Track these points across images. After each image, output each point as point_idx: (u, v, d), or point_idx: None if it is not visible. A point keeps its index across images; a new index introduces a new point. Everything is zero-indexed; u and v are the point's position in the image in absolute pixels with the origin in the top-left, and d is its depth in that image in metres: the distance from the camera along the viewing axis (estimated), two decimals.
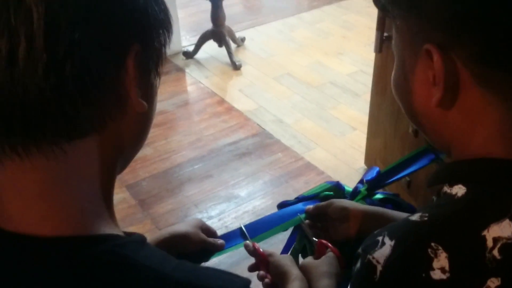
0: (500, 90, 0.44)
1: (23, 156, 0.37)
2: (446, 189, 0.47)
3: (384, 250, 0.45)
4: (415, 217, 0.46)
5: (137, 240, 0.43)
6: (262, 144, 2.44)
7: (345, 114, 2.63)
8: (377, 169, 0.97)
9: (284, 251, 0.92)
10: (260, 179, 2.23)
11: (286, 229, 0.94)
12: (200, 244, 0.80)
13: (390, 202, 0.95)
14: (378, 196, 0.96)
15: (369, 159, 2.17)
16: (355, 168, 2.23)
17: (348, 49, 3.25)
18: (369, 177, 0.96)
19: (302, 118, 2.62)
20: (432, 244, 0.43)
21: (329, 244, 0.80)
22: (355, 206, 0.84)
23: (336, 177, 2.18)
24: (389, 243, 0.45)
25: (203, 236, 0.82)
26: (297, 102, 2.75)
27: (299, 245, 0.94)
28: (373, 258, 0.45)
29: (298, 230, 0.94)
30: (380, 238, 0.46)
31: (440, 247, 0.42)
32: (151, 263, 0.40)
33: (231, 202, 2.10)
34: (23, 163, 0.37)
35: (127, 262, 0.39)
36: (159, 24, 0.42)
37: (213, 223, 1.99)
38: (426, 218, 0.45)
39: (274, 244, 1.08)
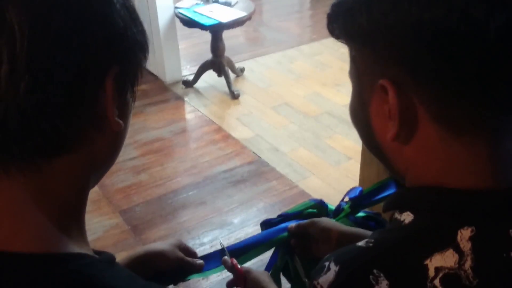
0: (455, 126, 0.43)
1: (0, 174, 0.38)
2: (396, 215, 0.47)
3: (328, 275, 0.45)
4: (362, 242, 0.46)
5: (106, 259, 0.43)
6: (257, 171, 2.45)
7: (341, 143, 2.64)
8: (360, 188, 0.97)
9: (267, 268, 0.91)
10: (254, 207, 2.22)
11: (269, 249, 0.94)
12: (176, 262, 0.79)
13: (373, 219, 0.95)
14: (361, 214, 0.96)
15: (363, 188, 2.17)
16: None
17: (345, 80, 3.28)
18: (352, 195, 0.97)
19: (298, 147, 2.64)
20: (375, 271, 0.42)
21: None
22: (336, 227, 0.84)
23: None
24: (333, 269, 0.45)
25: (180, 254, 0.81)
26: (294, 131, 2.78)
27: (281, 262, 0.94)
28: (318, 283, 0.45)
29: (280, 247, 0.93)
30: (327, 264, 0.46)
31: (382, 274, 0.42)
32: (117, 284, 0.40)
33: (224, 229, 2.09)
34: (1, 180, 0.38)
35: (93, 282, 0.39)
36: (137, 46, 0.43)
37: (204, 250, 1.97)
38: (371, 244, 0.45)
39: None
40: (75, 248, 0.42)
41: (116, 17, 0.40)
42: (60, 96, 0.37)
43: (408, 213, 0.45)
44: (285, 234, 0.91)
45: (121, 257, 2.23)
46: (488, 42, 0.39)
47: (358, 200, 0.94)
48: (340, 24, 0.47)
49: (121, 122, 0.43)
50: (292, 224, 0.91)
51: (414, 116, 0.44)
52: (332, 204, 1.05)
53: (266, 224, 0.97)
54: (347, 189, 2.62)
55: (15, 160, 0.38)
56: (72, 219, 0.43)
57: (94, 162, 0.43)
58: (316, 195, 2.27)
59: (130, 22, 0.42)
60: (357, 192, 0.95)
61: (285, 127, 2.82)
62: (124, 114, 0.44)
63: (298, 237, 0.89)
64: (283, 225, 0.94)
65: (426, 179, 0.46)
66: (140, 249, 0.77)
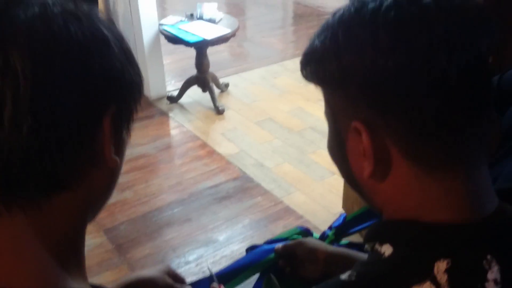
0: (426, 163, 0.45)
1: (3, 212, 0.39)
2: (377, 246, 0.48)
3: None
4: (345, 275, 0.47)
5: None
6: (243, 187, 2.46)
7: (325, 159, 2.67)
8: (344, 215, 0.99)
9: None
10: (239, 223, 2.22)
11: (257, 272, 0.94)
12: None
13: (356, 246, 0.97)
14: (344, 242, 0.98)
15: (347, 204, 2.19)
16: (333, 213, 2.25)
17: None
18: (336, 224, 0.99)
19: (283, 162, 2.66)
20: None
21: None
22: (323, 247, 0.86)
23: (314, 222, 2.19)
24: None
25: (170, 281, 0.81)
26: (278, 147, 2.80)
27: None
28: None
29: (264, 275, 0.94)
30: None
31: None
32: None
33: (209, 247, 2.09)
34: (2, 219, 0.39)
35: None
36: (133, 86, 0.45)
37: (190, 268, 1.97)
38: (354, 278, 0.47)
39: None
40: (74, 284, 0.42)
41: (114, 59, 0.42)
42: (61, 137, 0.38)
43: (388, 245, 0.47)
44: (272, 255, 0.92)
45: (106, 277, 2.18)
46: (450, 85, 0.42)
47: (342, 227, 0.96)
48: (312, 70, 0.49)
49: (117, 158, 0.44)
50: (279, 245, 0.92)
51: (387, 155, 0.46)
52: (317, 221, 1.07)
53: (252, 250, 0.97)
54: (331, 204, 2.63)
55: (17, 199, 0.39)
56: (71, 254, 0.44)
57: (91, 198, 0.45)
58: (301, 211, 2.29)
59: (127, 64, 0.44)
60: (340, 220, 0.97)
61: (270, 143, 2.84)
62: (120, 150, 0.46)
63: (285, 258, 0.90)
64: (270, 246, 0.95)
65: (403, 213, 0.48)
66: (130, 276, 0.78)
